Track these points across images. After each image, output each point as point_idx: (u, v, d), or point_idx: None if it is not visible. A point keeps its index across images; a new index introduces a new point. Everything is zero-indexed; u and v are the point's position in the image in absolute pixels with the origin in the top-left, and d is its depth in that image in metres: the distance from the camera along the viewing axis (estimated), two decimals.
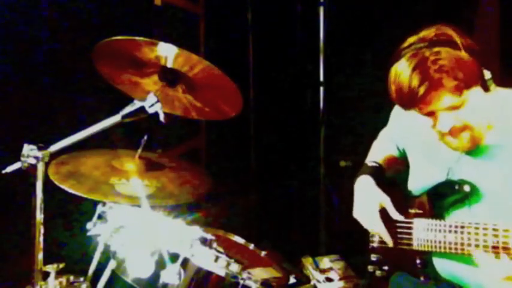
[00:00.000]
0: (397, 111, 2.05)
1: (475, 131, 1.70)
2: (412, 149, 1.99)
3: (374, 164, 2.04)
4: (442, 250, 1.74)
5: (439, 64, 1.58)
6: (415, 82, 1.60)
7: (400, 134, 2.05)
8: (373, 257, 2.03)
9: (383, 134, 2.19)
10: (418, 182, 1.94)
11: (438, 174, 1.84)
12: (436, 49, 1.60)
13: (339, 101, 3.74)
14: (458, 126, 1.68)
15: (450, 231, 1.71)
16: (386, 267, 1.99)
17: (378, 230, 1.93)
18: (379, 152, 2.13)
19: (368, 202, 1.95)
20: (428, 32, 1.66)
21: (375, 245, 2.03)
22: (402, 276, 1.96)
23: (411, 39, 1.68)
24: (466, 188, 1.74)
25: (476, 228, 1.63)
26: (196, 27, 3.82)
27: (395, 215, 1.89)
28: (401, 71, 1.63)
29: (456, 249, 1.69)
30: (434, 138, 1.77)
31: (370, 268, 2.02)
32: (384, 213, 1.92)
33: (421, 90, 1.59)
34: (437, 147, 1.81)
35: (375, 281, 2.03)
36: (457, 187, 1.76)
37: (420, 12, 3.39)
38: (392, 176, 2.07)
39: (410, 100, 1.63)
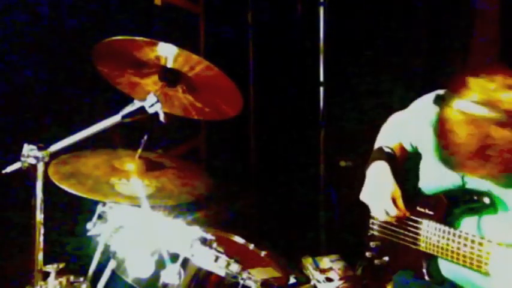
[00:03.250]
0: (416, 108, 2.02)
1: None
2: (428, 148, 1.95)
3: (389, 151, 2.02)
4: (455, 261, 1.73)
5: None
6: (476, 148, 1.50)
7: (416, 132, 2.00)
8: (372, 244, 2.02)
9: (395, 120, 2.15)
10: (431, 181, 1.93)
11: (453, 177, 1.82)
12: None
13: (339, 101, 3.73)
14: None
15: (465, 245, 1.70)
16: (386, 258, 1.97)
17: (391, 214, 1.90)
18: (391, 138, 2.10)
19: (382, 188, 1.92)
20: None
21: (375, 233, 2.02)
22: (405, 276, 1.96)
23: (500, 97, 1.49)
24: (486, 200, 1.72)
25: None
26: (196, 27, 3.82)
27: (402, 210, 1.89)
28: (469, 128, 1.51)
29: (471, 264, 1.68)
30: None
31: (367, 254, 2.01)
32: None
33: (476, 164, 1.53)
34: None
35: (375, 270, 2.02)
36: (476, 197, 1.74)
37: (420, 12, 3.40)
38: (406, 169, 2.05)
39: (456, 161, 1.56)
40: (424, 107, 1.94)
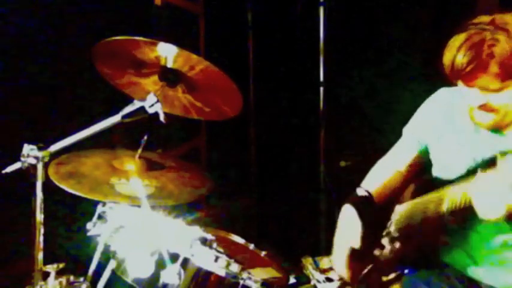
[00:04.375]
0: (428, 104, 2.05)
1: (502, 116, 1.77)
2: (444, 138, 1.98)
3: (364, 194, 2.03)
4: None
5: (491, 50, 1.67)
6: (465, 59, 1.69)
7: (427, 122, 2.02)
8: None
9: (385, 162, 2.15)
10: (448, 169, 1.94)
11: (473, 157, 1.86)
12: (497, 35, 1.68)
13: (339, 101, 3.74)
14: (488, 105, 1.74)
15: None
16: (397, 245, 1.97)
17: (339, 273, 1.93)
18: (376, 179, 2.10)
19: (343, 243, 1.94)
20: (500, 17, 1.73)
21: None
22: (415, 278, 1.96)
23: (483, 18, 1.76)
24: None
25: None
26: (196, 27, 3.82)
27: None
28: (459, 44, 1.72)
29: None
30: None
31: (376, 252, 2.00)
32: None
33: (468, 68, 1.69)
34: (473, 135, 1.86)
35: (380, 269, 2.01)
36: None
37: (420, 12, 3.40)
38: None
39: (457, 73, 1.72)
40: (431, 100, 2.03)
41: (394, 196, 2.07)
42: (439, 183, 1.91)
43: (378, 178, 2.10)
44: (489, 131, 1.84)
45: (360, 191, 2.03)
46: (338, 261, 1.94)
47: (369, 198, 2.02)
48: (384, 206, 2.04)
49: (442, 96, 2.02)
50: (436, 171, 2.00)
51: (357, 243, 1.89)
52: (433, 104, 2.03)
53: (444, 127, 1.97)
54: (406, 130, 2.11)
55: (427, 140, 2.03)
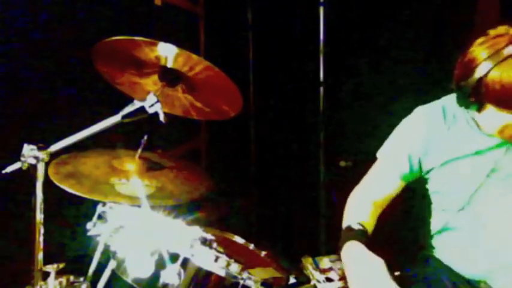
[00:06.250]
0: (413, 123, 1.99)
1: None
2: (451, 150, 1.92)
3: (359, 227, 1.84)
4: None
5: None
6: None
7: (427, 140, 1.93)
8: None
9: (360, 196, 2.02)
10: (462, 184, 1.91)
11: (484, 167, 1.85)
12: None
13: (339, 101, 3.74)
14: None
15: None
16: None
17: None
18: (362, 211, 1.95)
19: (371, 271, 1.71)
20: None
21: None
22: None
23: None
24: None
25: None
26: (196, 27, 3.82)
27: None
28: None
29: None
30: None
31: None
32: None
33: None
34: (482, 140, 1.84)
35: None
36: None
37: (420, 12, 3.40)
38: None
39: None
40: (423, 115, 1.97)
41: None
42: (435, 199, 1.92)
43: (362, 214, 1.94)
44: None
45: (355, 226, 1.86)
46: None
47: (365, 232, 1.86)
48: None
49: (427, 113, 1.95)
50: (444, 188, 1.96)
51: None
52: (422, 123, 1.95)
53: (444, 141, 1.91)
54: (387, 154, 2.01)
55: (424, 159, 1.94)
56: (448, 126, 1.90)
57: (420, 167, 1.95)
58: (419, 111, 1.98)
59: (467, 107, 1.79)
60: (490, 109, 1.73)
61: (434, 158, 1.92)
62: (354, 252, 1.76)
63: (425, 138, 1.92)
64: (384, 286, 1.65)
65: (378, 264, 1.69)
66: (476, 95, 1.71)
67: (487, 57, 1.66)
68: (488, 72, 1.66)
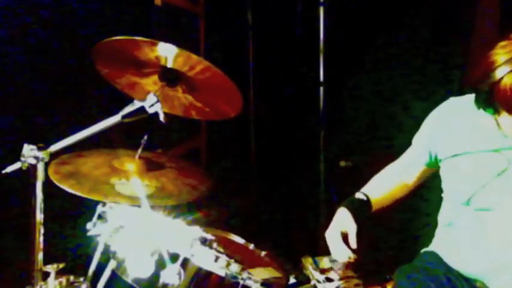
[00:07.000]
0: (438, 115, 2.02)
1: None
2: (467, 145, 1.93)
3: (361, 197, 2.04)
4: None
5: None
6: None
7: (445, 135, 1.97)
8: None
9: (392, 171, 2.15)
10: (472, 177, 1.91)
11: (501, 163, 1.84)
12: None
13: (339, 101, 3.74)
14: None
15: None
16: None
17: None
18: (380, 187, 2.11)
19: (337, 228, 1.98)
20: None
21: None
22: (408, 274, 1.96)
23: None
24: None
25: None
26: (196, 27, 3.82)
27: (353, 244, 1.94)
28: None
29: None
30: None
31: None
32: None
33: None
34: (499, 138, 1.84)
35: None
36: None
37: (420, 12, 3.40)
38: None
39: None
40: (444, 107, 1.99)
41: (394, 205, 2.08)
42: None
43: (382, 187, 2.10)
44: None
45: (359, 195, 2.04)
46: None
47: (366, 202, 2.03)
48: (380, 214, 2.06)
49: (453, 105, 1.98)
50: (451, 182, 1.98)
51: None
52: (443, 113, 1.99)
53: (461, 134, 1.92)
54: (416, 140, 2.09)
55: (437, 150, 1.98)
56: (468, 119, 1.90)
57: (436, 156, 1.99)
58: (446, 102, 2.00)
59: (484, 109, 1.79)
60: (504, 113, 1.73)
61: (444, 149, 1.95)
62: (337, 213, 1.99)
63: (437, 128, 1.97)
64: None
65: (348, 221, 1.93)
66: (491, 99, 1.71)
67: (505, 62, 1.65)
68: (503, 77, 1.64)
